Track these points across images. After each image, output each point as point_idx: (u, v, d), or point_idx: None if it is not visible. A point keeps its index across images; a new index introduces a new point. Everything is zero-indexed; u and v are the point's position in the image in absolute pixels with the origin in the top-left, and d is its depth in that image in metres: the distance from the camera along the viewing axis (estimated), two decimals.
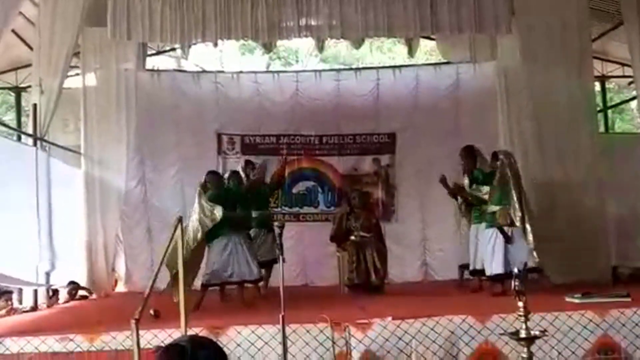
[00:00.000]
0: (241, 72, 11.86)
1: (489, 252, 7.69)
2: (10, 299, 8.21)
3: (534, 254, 7.49)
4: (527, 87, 9.24)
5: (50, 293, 8.65)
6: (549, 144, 8.92)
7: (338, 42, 15.01)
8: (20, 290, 8.51)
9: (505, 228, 7.61)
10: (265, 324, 5.49)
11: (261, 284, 8.36)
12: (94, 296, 9.26)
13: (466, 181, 8.45)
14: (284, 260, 5.03)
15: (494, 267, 7.60)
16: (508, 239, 7.59)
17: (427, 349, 5.45)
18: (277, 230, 5.19)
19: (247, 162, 9.34)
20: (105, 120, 9.88)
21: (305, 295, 8.54)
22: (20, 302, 8.39)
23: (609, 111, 14.23)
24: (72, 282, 9.00)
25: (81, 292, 9.24)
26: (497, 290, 7.49)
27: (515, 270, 4.24)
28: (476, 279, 8.32)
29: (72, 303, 8.80)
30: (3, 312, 7.75)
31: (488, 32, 9.34)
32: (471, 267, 8.40)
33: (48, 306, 8.31)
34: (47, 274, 8.25)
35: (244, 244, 7.75)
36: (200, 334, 5.36)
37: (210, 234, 7.59)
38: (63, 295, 8.96)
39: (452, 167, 10.59)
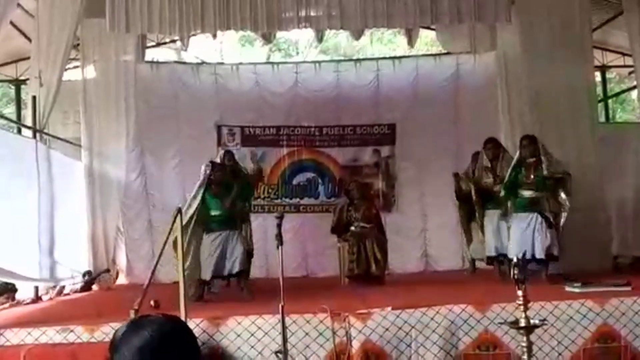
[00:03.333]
0: (241, 63, 11.84)
1: (530, 236, 7.47)
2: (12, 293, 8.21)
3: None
4: (527, 77, 9.23)
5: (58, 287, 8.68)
6: (549, 134, 8.87)
7: (338, 33, 15.00)
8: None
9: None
10: (265, 315, 5.48)
11: None
12: (95, 287, 9.27)
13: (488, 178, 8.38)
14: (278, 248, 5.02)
15: (538, 250, 7.43)
16: (551, 224, 7.50)
17: (427, 338, 5.45)
18: (276, 222, 5.19)
19: (226, 152, 8.79)
20: (105, 112, 9.90)
21: (305, 286, 8.54)
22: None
23: (610, 101, 14.21)
24: (87, 272, 9.03)
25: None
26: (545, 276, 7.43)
27: (515, 259, 4.23)
28: (504, 267, 7.97)
29: (75, 295, 8.79)
30: (7, 305, 7.75)
31: (488, 21, 9.31)
32: (493, 253, 8.28)
33: (52, 298, 8.31)
34: (49, 267, 8.27)
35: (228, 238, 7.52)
36: (201, 325, 5.39)
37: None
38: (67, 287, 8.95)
39: (452, 157, 10.67)
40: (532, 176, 7.66)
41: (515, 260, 4.19)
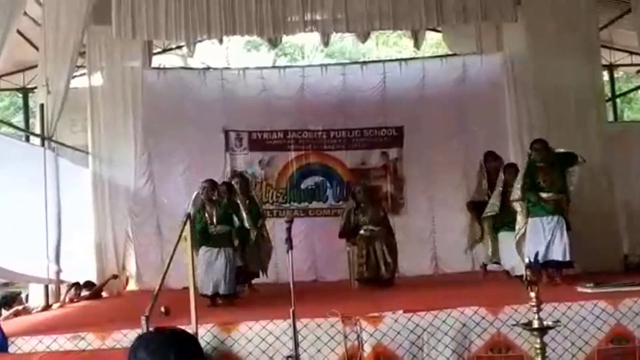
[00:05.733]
0: (247, 68, 11.85)
1: (551, 239, 7.34)
2: (22, 300, 8.23)
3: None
4: (534, 77, 9.21)
5: (72, 290, 8.67)
6: (557, 134, 8.86)
7: (343, 37, 15.01)
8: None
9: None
10: (276, 319, 5.47)
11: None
12: (105, 294, 9.27)
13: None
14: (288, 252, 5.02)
15: (558, 254, 7.28)
16: (570, 226, 7.38)
17: (439, 341, 5.43)
18: (285, 225, 5.18)
19: (224, 183, 8.55)
20: (112, 119, 9.92)
21: (315, 290, 8.54)
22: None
23: (618, 100, 14.15)
24: (75, 284, 8.96)
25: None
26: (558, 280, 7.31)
27: (527, 260, 4.21)
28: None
29: (82, 303, 8.78)
30: (15, 312, 7.75)
31: (494, 20, 9.31)
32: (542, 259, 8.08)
33: (62, 305, 8.31)
34: (57, 273, 8.28)
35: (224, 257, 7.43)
36: (212, 331, 5.38)
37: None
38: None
39: (460, 158, 10.65)
40: (548, 178, 7.50)
41: (527, 261, 4.16)
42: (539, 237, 7.31)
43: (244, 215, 7.88)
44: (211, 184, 7.75)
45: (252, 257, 8.40)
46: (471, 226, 9.25)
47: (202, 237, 7.36)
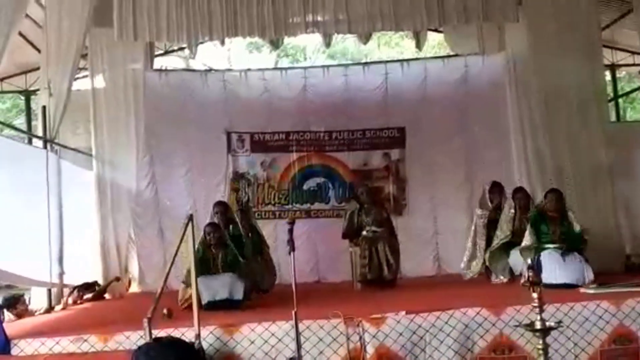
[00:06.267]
0: (249, 69, 11.83)
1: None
2: (25, 302, 8.22)
3: None
4: (536, 77, 9.20)
5: (75, 293, 8.68)
6: (559, 133, 8.90)
7: (345, 38, 15.01)
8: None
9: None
10: (278, 321, 5.48)
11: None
12: (107, 297, 9.27)
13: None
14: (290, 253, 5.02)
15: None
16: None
17: (442, 342, 5.43)
18: (287, 227, 5.18)
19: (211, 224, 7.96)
20: (114, 121, 9.91)
21: (317, 291, 8.51)
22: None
23: (620, 100, 14.14)
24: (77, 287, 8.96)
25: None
26: None
27: (529, 261, 4.21)
28: None
29: (84, 305, 8.78)
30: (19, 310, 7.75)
31: (496, 21, 9.29)
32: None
33: (65, 307, 8.32)
34: (60, 276, 8.30)
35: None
36: (214, 333, 5.38)
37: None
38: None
39: (462, 159, 10.65)
40: (557, 231, 7.44)
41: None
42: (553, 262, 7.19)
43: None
44: (215, 228, 7.60)
45: (259, 276, 8.32)
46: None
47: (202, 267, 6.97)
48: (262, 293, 8.09)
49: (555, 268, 6.98)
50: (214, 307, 6.74)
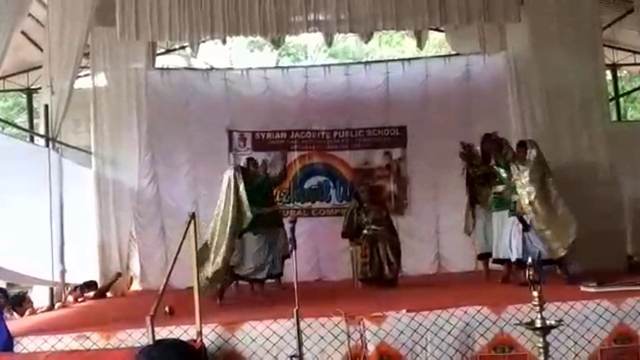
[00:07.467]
0: (250, 68, 11.86)
1: (509, 238, 7.59)
2: (30, 300, 8.25)
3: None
4: (537, 77, 9.21)
5: (77, 291, 8.70)
6: (561, 133, 8.89)
7: (346, 37, 14.99)
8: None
9: (525, 216, 7.50)
10: (279, 319, 5.49)
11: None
12: (109, 294, 9.29)
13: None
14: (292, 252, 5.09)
15: (514, 253, 7.52)
16: (526, 227, 7.48)
17: (443, 340, 5.44)
18: (289, 226, 5.20)
19: (249, 160, 8.78)
20: (116, 119, 9.94)
21: (319, 289, 8.55)
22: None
23: (621, 99, 14.14)
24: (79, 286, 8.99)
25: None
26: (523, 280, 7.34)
27: (530, 260, 4.22)
28: (505, 267, 8.08)
29: (86, 302, 8.80)
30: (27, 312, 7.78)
31: (497, 20, 9.30)
32: (495, 256, 8.28)
33: (67, 305, 8.34)
34: (62, 273, 8.31)
35: (271, 240, 7.84)
36: (216, 330, 5.40)
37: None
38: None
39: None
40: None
41: (530, 261, 4.18)
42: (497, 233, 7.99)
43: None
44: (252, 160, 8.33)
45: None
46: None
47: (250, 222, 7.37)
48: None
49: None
50: None
